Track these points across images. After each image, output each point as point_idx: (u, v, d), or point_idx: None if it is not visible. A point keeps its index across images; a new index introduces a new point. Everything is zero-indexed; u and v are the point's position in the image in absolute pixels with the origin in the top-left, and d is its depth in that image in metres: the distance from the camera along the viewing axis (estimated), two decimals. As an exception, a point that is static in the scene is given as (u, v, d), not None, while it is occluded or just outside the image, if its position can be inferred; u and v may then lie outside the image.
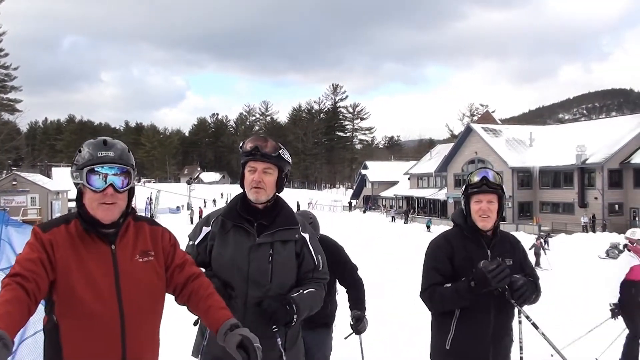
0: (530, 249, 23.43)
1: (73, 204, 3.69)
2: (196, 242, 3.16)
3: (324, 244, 4.32)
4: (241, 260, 2.99)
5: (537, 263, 23.55)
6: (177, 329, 4.88)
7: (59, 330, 2.34)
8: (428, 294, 3.39)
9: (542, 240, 25.65)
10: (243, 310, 2.93)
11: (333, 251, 4.40)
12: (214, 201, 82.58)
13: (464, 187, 3.48)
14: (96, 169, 2.39)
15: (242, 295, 2.93)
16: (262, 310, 2.86)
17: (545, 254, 24.31)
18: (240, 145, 3.11)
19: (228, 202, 3.28)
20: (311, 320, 4.04)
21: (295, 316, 2.88)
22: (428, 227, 47.72)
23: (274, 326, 2.88)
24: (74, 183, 2.47)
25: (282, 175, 3.10)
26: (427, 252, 3.51)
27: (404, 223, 57.77)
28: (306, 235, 3.17)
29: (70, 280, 2.31)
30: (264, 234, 3.03)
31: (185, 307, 2.69)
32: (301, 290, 3.02)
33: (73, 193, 2.64)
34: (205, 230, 3.15)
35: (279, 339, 2.92)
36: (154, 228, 2.65)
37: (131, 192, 2.53)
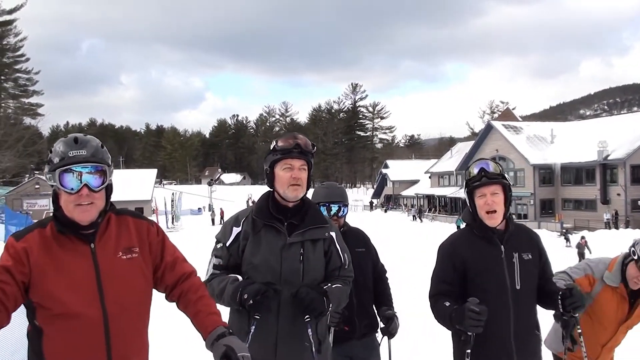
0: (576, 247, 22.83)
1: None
2: (227, 244, 3.08)
3: (354, 232, 4.16)
4: (274, 260, 2.97)
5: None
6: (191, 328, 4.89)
7: (42, 335, 2.28)
8: (432, 302, 3.26)
9: (586, 240, 24.73)
10: (277, 310, 2.94)
11: (366, 239, 4.18)
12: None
13: (464, 183, 3.30)
14: (69, 169, 2.27)
15: (275, 295, 2.88)
16: (299, 299, 2.85)
17: (590, 253, 23.22)
18: (275, 143, 3.05)
19: (255, 201, 3.26)
20: (363, 326, 3.89)
21: (330, 306, 2.91)
22: (458, 226, 47.16)
23: (307, 316, 2.88)
24: (50, 185, 2.36)
25: (310, 173, 3.10)
26: (437, 257, 3.35)
27: (421, 222, 57.38)
28: (333, 234, 3.17)
29: (48, 284, 2.24)
30: (295, 233, 3.03)
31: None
32: (329, 284, 3.01)
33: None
34: (236, 230, 3.08)
35: (309, 329, 2.92)
36: (138, 222, 2.53)
37: (109, 190, 2.42)
